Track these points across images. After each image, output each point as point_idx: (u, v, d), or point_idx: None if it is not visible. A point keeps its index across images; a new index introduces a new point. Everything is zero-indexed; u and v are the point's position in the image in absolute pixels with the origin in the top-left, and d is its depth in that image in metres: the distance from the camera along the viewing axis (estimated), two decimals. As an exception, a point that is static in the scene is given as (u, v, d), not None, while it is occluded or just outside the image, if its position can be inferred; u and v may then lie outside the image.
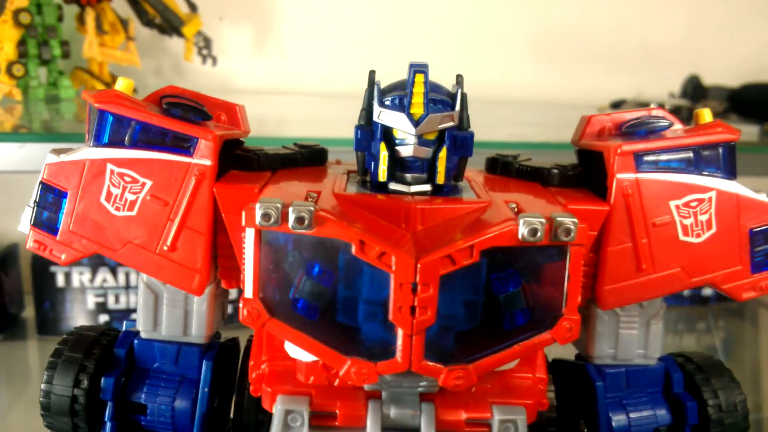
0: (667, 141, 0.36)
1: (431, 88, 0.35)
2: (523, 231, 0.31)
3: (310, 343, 0.32)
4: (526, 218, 0.31)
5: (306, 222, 0.31)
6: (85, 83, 1.08)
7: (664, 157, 0.37)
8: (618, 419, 0.39)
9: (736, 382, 0.41)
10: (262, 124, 0.97)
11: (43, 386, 0.39)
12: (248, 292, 0.32)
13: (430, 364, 0.31)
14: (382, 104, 0.35)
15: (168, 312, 0.40)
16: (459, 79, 0.37)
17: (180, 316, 0.40)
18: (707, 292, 1.33)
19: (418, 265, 0.30)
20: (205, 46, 1.19)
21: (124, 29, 1.09)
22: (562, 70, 1.37)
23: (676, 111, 1.18)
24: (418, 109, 0.34)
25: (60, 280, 1.00)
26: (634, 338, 0.40)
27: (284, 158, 0.40)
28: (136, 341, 0.40)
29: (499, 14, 1.34)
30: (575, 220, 0.31)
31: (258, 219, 0.31)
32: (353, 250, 0.31)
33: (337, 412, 0.35)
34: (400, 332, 0.31)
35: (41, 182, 0.36)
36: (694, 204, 0.36)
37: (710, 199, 0.36)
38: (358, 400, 0.35)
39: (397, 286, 0.30)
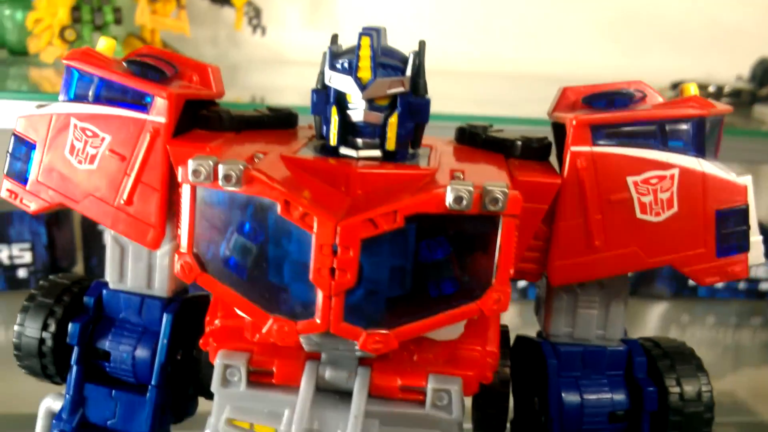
0: (627, 113, 0.35)
1: (384, 52, 0.35)
2: (449, 198, 0.30)
3: (237, 299, 0.32)
4: (454, 185, 0.30)
5: (234, 179, 0.31)
6: (135, 47, 1.12)
7: (625, 130, 0.35)
8: (570, 399, 0.38)
9: (703, 371, 0.39)
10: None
11: (15, 328, 0.41)
12: (182, 246, 0.33)
13: (349, 326, 0.31)
14: (333, 68, 0.35)
15: (133, 265, 0.41)
16: (420, 45, 0.36)
17: (144, 269, 0.41)
18: (765, 286, 1.27)
19: (338, 228, 0.30)
20: (255, 16, 1.20)
21: (176, -3, 1.11)
22: (630, 50, 1.33)
23: (735, 94, 1.12)
24: (365, 73, 0.34)
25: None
26: (592, 318, 0.39)
27: (249, 120, 0.40)
28: (104, 291, 0.42)
29: None
30: (505, 189, 0.30)
31: (189, 175, 0.31)
32: (278, 209, 0.31)
33: (274, 369, 0.36)
34: (320, 293, 0.31)
35: (13, 134, 0.38)
36: (654, 181, 0.34)
37: (672, 176, 0.34)
38: (296, 360, 0.36)
39: (317, 247, 0.30)
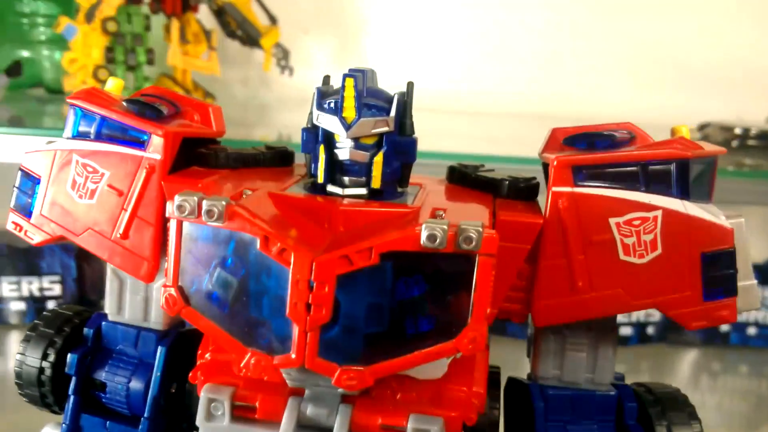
0: (609, 154, 0.35)
1: (370, 93, 0.36)
2: (423, 236, 0.31)
3: (219, 333, 0.33)
4: (428, 224, 0.31)
5: (216, 215, 0.32)
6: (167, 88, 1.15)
7: (607, 171, 0.35)
8: (557, 443, 0.38)
9: (696, 419, 0.38)
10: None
11: (17, 357, 0.42)
12: (168, 280, 0.34)
13: (324, 362, 0.31)
14: (320, 107, 0.36)
15: (130, 297, 0.42)
16: (408, 86, 0.37)
17: (140, 302, 0.42)
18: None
19: (314, 263, 0.31)
20: (283, 58, 1.23)
21: (207, 39, 1.15)
22: (657, 91, 1.32)
23: (763, 136, 1.10)
24: (349, 113, 0.35)
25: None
26: (581, 361, 0.38)
27: (245, 158, 0.41)
28: (103, 323, 0.43)
29: (593, 32, 1.31)
30: (479, 228, 0.31)
31: (174, 210, 0.32)
32: (258, 244, 0.32)
33: (257, 405, 0.36)
34: (295, 328, 0.31)
35: (20, 169, 0.40)
36: (636, 222, 0.34)
37: (655, 218, 0.34)
38: (279, 396, 0.36)
39: (294, 282, 0.31)
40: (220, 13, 1.14)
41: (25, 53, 1.09)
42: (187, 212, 0.32)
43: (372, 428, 0.35)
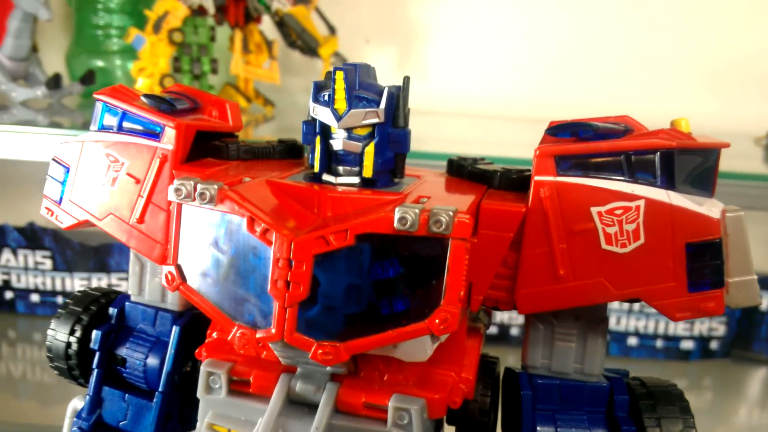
0: (592, 144, 0.35)
1: (363, 86, 0.38)
2: (395, 219, 0.32)
3: (211, 308, 0.35)
4: (401, 207, 0.32)
5: (208, 197, 0.34)
6: (231, 97, 1.21)
7: (592, 161, 0.35)
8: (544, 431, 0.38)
9: (688, 414, 0.38)
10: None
11: (48, 332, 0.46)
12: (169, 258, 0.36)
13: (302, 337, 0.33)
14: (315, 100, 0.38)
15: (150, 280, 0.45)
16: (404, 81, 0.39)
17: (158, 284, 0.45)
18: None
19: (292, 242, 0.33)
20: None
21: (268, 49, 1.20)
22: (728, 99, 1.29)
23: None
24: (340, 105, 0.37)
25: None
26: (570, 351, 0.38)
27: (256, 150, 0.44)
28: (126, 303, 0.46)
29: (666, 42, 1.29)
30: (450, 213, 0.32)
31: (172, 193, 0.35)
32: (245, 225, 0.34)
33: (251, 380, 0.38)
34: (276, 304, 0.33)
35: (52, 159, 0.44)
36: (618, 212, 0.34)
37: (638, 207, 0.34)
38: (272, 372, 0.38)
39: (275, 260, 0.33)
40: (281, 24, 1.19)
41: (99, 63, 1.17)
42: (183, 195, 0.35)
43: (356, 406, 0.36)
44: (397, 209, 0.32)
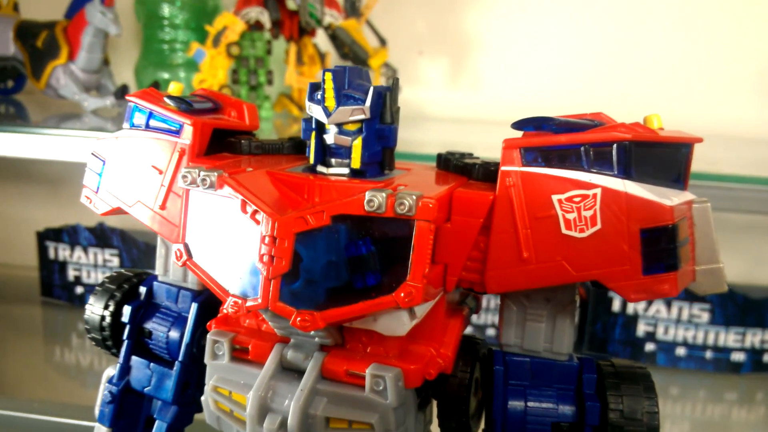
0: (554, 137, 0.38)
1: (352, 86, 0.42)
2: (365, 201, 0.36)
3: (212, 280, 0.40)
4: (371, 191, 0.36)
5: (209, 183, 0.39)
6: (286, 107, 1.28)
7: (555, 153, 0.38)
8: (514, 405, 0.41)
9: (652, 393, 0.40)
10: (450, 147, 1.08)
11: (86, 306, 0.52)
12: (179, 238, 0.41)
13: (284, 305, 0.37)
14: (310, 99, 0.42)
15: (173, 262, 0.50)
16: (394, 82, 0.43)
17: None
18: None
19: (276, 222, 0.37)
20: (391, 77, 1.31)
21: (321, 61, 1.26)
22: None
23: None
24: (330, 103, 0.41)
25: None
26: (540, 331, 0.41)
27: (265, 146, 0.48)
28: (154, 283, 0.52)
29: (721, 48, 1.28)
30: (414, 197, 0.35)
31: (180, 180, 0.40)
32: (239, 207, 0.38)
33: (250, 348, 0.43)
34: (262, 276, 0.38)
35: (91, 153, 0.50)
36: (577, 199, 0.37)
37: (595, 195, 0.37)
38: (268, 342, 0.42)
39: (262, 238, 0.37)
40: (333, 37, 1.24)
41: (164, 75, 1.26)
42: (189, 181, 0.40)
43: (339, 373, 0.40)
44: (366, 193, 0.36)
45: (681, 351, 1.20)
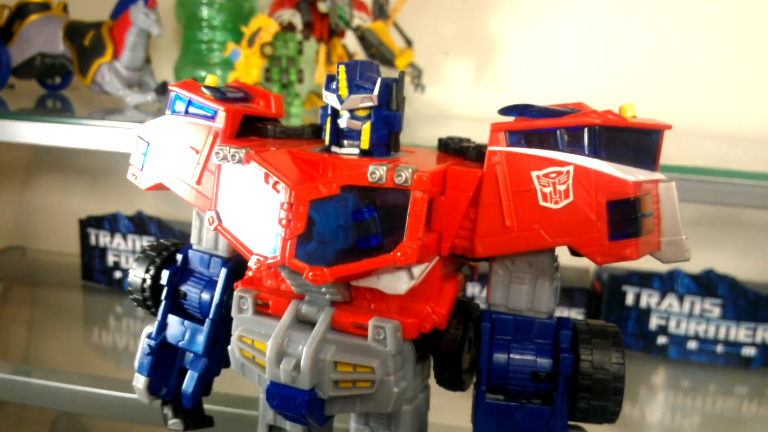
0: (534, 121, 0.44)
1: (363, 78, 0.48)
2: (368, 173, 0.42)
3: (238, 242, 0.47)
4: (373, 165, 0.42)
5: (237, 159, 0.46)
6: (315, 104, 1.35)
7: (536, 135, 0.44)
8: (498, 357, 0.47)
9: (619, 347, 0.45)
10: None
11: (129, 270, 0.59)
12: (212, 206, 0.48)
13: (299, 262, 0.44)
14: (327, 89, 0.49)
15: (206, 231, 0.57)
16: (400, 75, 0.49)
17: (213, 235, 0.57)
18: None
19: (293, 191, 0.43)
20: (417, 76, 1.38)
21: (349, 61, 1.32)
22: None
23: None
24: (343, 92, 0.47)
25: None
26: (523, 292, 0.47)
27: (289, 131, 0.55)
28: (189, 250, 0.59)
29: (750, 51, 1.31)
30: (410, 170, 0.42)
31: (214, 156, 0.47)
32: (263, 179, 0.45)
33: (270, 303, 0.49)
34: (280, 237, 0.44)
35: (137, 135, 0.57)
36: (553, 175, 0.43)
37: (568, 172, 0.43)
38: (286, 298, 0.49)
39: (281, 204, 0.44)
40: (362, 38, 1.31)
41: (202, 73, 1.34)
42: (221, 157, 0.47)
43: (346, 325, 0.47)
44: (370, 166, 0.42)
45: (692, 345, 1.22)
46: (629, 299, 1.24)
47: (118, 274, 1.41)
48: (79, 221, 1.42)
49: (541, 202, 0.43)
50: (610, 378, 0.44)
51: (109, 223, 1.40)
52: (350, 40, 1.32)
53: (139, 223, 1.38)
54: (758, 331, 1.20)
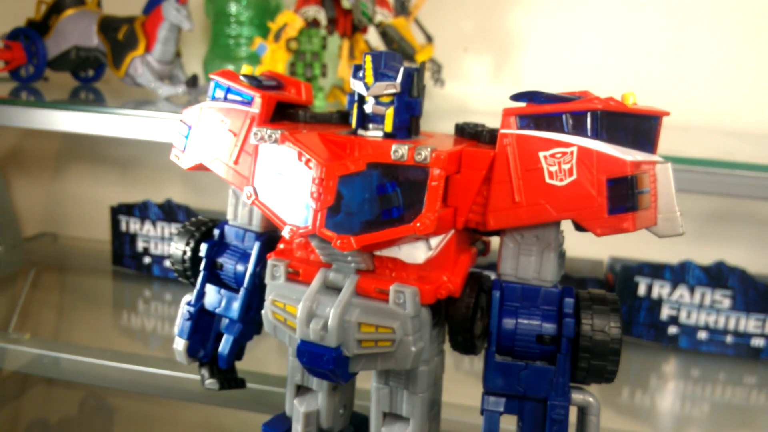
0: (542, 107, 0.48)
1: (387, 66, 0.53)
2: (391, 152, 0.47)
3: (273, 214, 0.52)
4: (396, 145, 0.47)
5: (273, 139, 0.51)
6: (338, 98, 1.39)
7: (543, 119, 0.49)
8: (507, 321, 0.51)
9: (617, 312, 0.50)
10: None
11: (171, 244, 0.65)
12: (250, 182, 0.53)
13: (328, 231, 0.49)
14: (354, 77, 0.54)
15: (241, 208, 0.63)
16: (420, 66, 0.54)
17: (247, 212, 0.62)
18: None
19: (324, 168, 0.48)
20: (436, 71, 1.42)
21: (371, 56, 1.36)
22: None
23: None
24: (369, 79, 0.52)
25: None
26: (531, 263, 0.52)
27: (318, 117, 0.60)
28: (225, 226, 0.64)
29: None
30: (429, 149, 0.46)
31: (252, 137, 0.52)
32: (296, 157, 0.50)
33: (300, 271, 0.54)
34: (311, 209, 0.49)
35: (180, 120, 0.62)
36: (558, 155, 0.48)
37: (572, 152, 0.47)
38: (315, 267, 0.54)
39: (313, 179, 0.49)
40: (384, 34, 1.35)
41: (230, 67, 1.39)
42: (259, 138, 0.52)
43: (369, 290, 0.52)
44: (393, 145, 0.47)
45: (703, 335, 1.25)
46: (641, 290, 1.27)
47: (147, 260, 1.47)
48: (111, 208, 1.48)
49: (548, 180, 0.48)
50: (609, 340, 0.49)
51: (140, 210, 1.46)
52: (372, 36, 1.37)
53: (168, 211, 1.44)
54: (767, 322, 1.22)
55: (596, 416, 0.51)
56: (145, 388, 1.05)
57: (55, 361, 1.10)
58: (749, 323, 1.23)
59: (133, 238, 1.48)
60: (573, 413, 0.52)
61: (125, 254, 1.49)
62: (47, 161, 1.77)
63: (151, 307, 1.39)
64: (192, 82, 1.31)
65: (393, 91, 0.52)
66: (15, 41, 1.37)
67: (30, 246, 1.69)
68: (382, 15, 1.33)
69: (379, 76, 0.52)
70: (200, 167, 0.61)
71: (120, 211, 1.48)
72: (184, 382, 1.04)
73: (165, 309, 1.37)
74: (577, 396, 0.51)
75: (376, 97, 0.53)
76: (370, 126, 0.54)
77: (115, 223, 1.49)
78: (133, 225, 1.47)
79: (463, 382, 1.10)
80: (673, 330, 1.27)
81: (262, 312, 0.56)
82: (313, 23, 1.30)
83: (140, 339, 1.23)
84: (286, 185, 0.51)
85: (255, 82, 0.59)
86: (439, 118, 1.51)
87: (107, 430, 0.99)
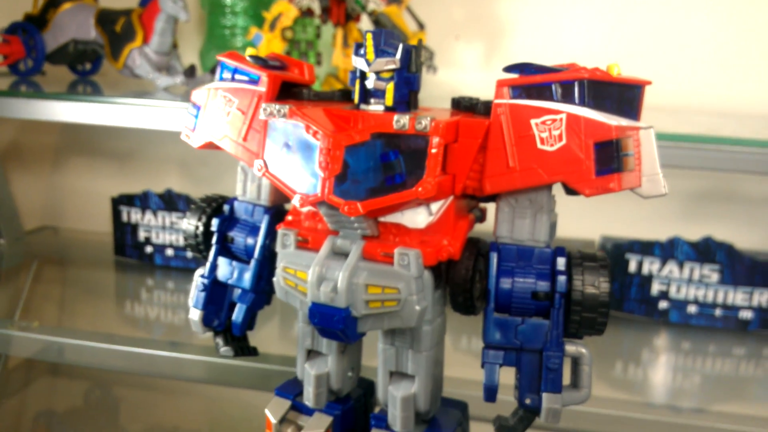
0: (532, 77, 0.52)
1: (387, 44, 0.56)
2: (394, 121, 0.51)
3: (283, 184, 0.55)
4: (397, 115, 0.51)
5: (282, 113, 0.54)
6: (333, 86, 1.43)
7: (534, 89, 0.52)
8: (504, 280, 0.55)
9: (606, 269, 0.53)
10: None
11: (184, 220, 0.68)
12: (261, 155, 0.57)
13: (336, 197, 0.52)
14: (356, 54, 0.57)
15: (250, 184, 0.66)
16: (418, 42, 0.57)
17: (256, 187, 0.66)
18: None
19: (331, 138, 0.52)
20: (429, 58, 1.45)
21: (364, 44, 1.39)
22: None
23: None
24: (370, 56, 0.56)
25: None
26: (525, 225, 0.55)
27: (321, 95, 0.63)
28: (235, 202, 0.67)
29: (759, 30, 1.37)
30: (429, 119, 0.50)
31: (262, 112, 0.55)
32: (303, 130, 0.53)
33: (309, 239, 0.58)
34: (320, 178, 0.52)
35: (190, 101, 0.65)
36: (549, 122, 0.51)
37: (561, 119, 0.51)
38: (323, 234, 0.57)
39: (320, 150, 0.52)
40: (377, 22, 1.38)
41: (226, 57, 1.42)
42: (268, 113, 0.55)
43: (375, 254, 0.55)
44: (395, 115, 0.51)
45: (692, 309, 1.29)
46: (632, 266, 1.31)
47: (149, 249, 1.50)
48: (111, 199, 1.51)
49: (539, 146, 0.51)
50: (598, 293, 0.52)
51: (140, 200, 1.48)
52: (365, 24, 1.40)
53: (169, 200, 1.46)
54: (755, 295, 1.26)
55: (588, 366, 0.54)
56: (149, 370, 1.08)
57: (61, 348, 1.13)
58: (737, 296, 1.27)
59: (134, 228, 1.50)
60: (567, 379, 0.55)
61: (127, 244, 1.52)
62: (46, 155, 1.79)
63: (154, 295, 1.41)
64: (190, 72, 1.33)
65: (393, 66, 0.55)
66: (13, 35, 1.40)
67: (31, 239, 1.71)
68: (374, 3, 1.36)
69: (379, 52, 0.55)
70: (210, 145, 0.64)
71: (121, 201, 1.50)
72: (186, 364, 1.07)
73: (168, 297, 1.39)
74: (570, 348, 0.55)
75: (377, 73, 0.56)
76: (372, 101, 0.57)
77: (116, 214, 1.51)
78: (134, 215, 1.50)
79: (461, 362, 1.14)
80: (663, 305, 1.30)
81: (274, 279, 0.59)
82: (308, 12, 1.33)
83: (144, 327, 1.26)
84: (294, 157, 0.55)
85: (261, 62, 0.62)
86: (432, 104, 1.53)
87: (114, 415, 1.02)
